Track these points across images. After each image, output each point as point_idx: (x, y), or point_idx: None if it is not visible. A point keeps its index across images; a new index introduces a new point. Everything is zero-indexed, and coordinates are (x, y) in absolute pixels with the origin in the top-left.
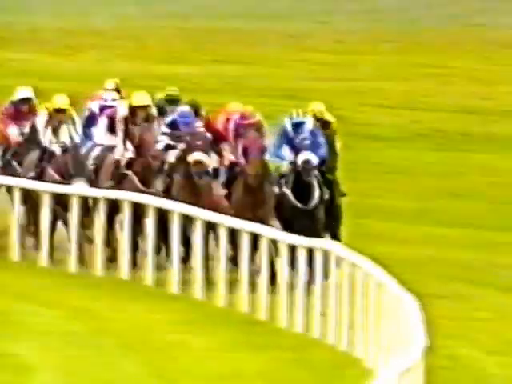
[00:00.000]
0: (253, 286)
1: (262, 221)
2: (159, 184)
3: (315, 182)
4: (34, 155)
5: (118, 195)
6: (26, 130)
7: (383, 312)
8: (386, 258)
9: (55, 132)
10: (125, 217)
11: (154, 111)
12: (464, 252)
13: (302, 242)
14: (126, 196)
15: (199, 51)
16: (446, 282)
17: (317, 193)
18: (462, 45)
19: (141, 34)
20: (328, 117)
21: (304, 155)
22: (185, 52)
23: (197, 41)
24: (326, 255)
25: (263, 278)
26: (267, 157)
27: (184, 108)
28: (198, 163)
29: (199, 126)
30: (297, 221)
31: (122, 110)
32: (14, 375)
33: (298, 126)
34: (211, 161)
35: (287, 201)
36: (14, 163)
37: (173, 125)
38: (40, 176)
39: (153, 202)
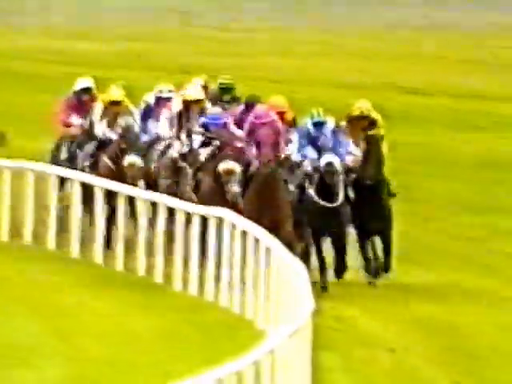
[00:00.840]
0: (150, 251)
1: (277, 227)
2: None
3: (340, 181)
4: (89, 147)
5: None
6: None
7: (273, 276)
8: None
9: (111, 124)
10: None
11: (207, 104)
12: None
13: (197, 209)
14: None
15: (99, 29)
16: None
17: (341, 192)
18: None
19: (43, 11)
20: (374, 115)
21: (326, 158)
22: (85, 29)
23: (97, 18)
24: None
25: (159, 244)
26: (294, 156)
27: (215, 110)
28: (229, 172)
29: (229, 126)
30: (322, 219)
31: (176, 105)
32: None
33: (319, 126)
34: (239, 168)
35: (311, 200)
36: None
37: (203, 127)
38: (95, 166)
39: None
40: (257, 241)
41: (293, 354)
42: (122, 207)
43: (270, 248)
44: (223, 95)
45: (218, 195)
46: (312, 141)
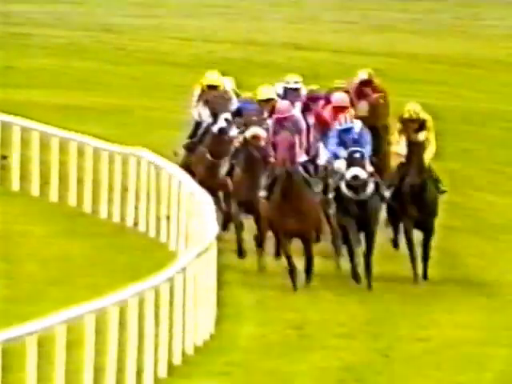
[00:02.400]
0: (81, 183)
1: (304, 234)
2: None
3: (367, 176)
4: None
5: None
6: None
7: (183, 206)
8: None
9: (207, 105)
10: None
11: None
12: None
13: (118, 149)
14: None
15: None
16: None
17: (371, 186)
18: None
19: None
20: (423, 115)
21: (353, 171)
22: None
23: None
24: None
25: (88, 178)
26: (324, 156)
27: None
28: (255, 137)
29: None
30: (351, 210)
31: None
32: None
33: (347, 131)
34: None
35: (341, 193)
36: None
37: (238, 113)
38: (192, 150)
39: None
40: (170, 176)
41: (201, 271)
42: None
43: (182, 182)
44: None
45: (248, 182)
46: (341, 142)
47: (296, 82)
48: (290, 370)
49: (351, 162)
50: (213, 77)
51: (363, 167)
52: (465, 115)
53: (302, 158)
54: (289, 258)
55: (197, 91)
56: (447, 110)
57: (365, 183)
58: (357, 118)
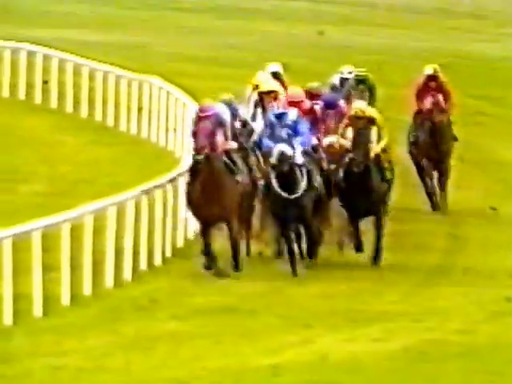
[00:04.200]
0: (105, 103)
1: (223, 220)
2: None
3: (300, 172)
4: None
5: None
6: None
7: (188, 121)
8: None
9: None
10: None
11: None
12: None
13: (134, 77)
14: None
15: None
16: None
17: (303, 183)
18: None
19: None
20: (371, 113)
21: (278, 147)
22: None
23: None
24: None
25: (111, 99)
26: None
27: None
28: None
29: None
30: (283, 210)
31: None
32: None
33: (280, 117)
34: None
35: (273, 191)
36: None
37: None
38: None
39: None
40: (176, 99)
41: None
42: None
43: (185, 103)
44: (358, 86)
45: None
46: (272, 132)
47: (350, 73)
48: None
49: (276, 138)
50: (267, 82)
51: (289, 145)
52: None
53: (228, 145)
54: (207, 245)
55: (251, 93)
56: (401, 48)
57: (291, 177)
58: (420, 112)
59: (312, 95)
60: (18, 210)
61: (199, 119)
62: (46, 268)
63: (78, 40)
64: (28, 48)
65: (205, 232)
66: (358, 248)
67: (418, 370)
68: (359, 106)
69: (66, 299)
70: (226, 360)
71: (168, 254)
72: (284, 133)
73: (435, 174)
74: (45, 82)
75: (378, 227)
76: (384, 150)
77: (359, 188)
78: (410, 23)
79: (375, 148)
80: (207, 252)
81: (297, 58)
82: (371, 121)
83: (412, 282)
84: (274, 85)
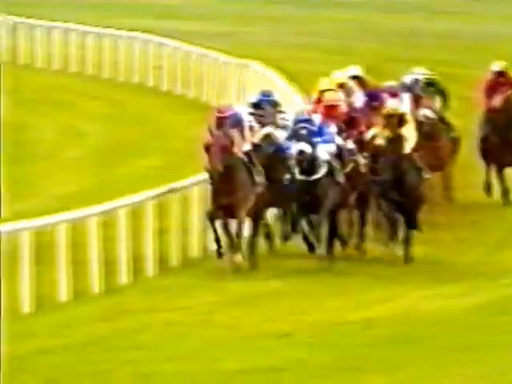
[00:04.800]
0: (212, 85)
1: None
2: None
3: (321, 163)
4: None
5: None
6: None
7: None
8: None
9: None
10: None
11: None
12: None
13: (235, 61)
14: None
15: None
16: None
17: (323, 169)
18: None
19: None
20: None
21: (298, 146)
22: None
23: None
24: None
25: (218, 81)
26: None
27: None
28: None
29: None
30: (302, 194)
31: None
32: None
33: (305, 122)
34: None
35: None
36: None
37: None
38: None
39: None
40: (270, 79)
41: None
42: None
43: (278, 83)
44: (427, 88)
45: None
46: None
47: (421, 74)
48: None
49: (296, 137)
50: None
51: (310, 144)
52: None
53: (245, 147)
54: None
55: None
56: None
57: (311, 161)
58: (491, 110)
59: (391, 94)
60: (137, 181)
61: (217, 121)
62: (159, 232)
63: (186, 30)
64: (142, 37)
65: (212, 220)
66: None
67: (499, 322)
68: (392, 104)
69: (176, 260)
70: (322, 314)
71: None
72: (305, 133)
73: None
74: (157, 67)
75: (411, 225)
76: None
77: (395, 186)
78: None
79: (407, 148)
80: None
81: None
82: (403, 119)
83: (490, 242)
84: (337, 96)
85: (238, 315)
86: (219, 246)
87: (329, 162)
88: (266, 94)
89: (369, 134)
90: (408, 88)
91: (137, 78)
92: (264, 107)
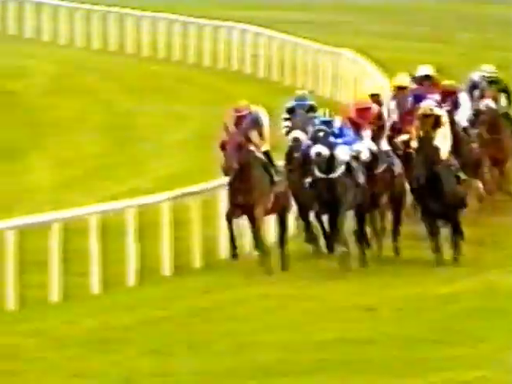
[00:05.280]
0: (305, 73)
1: (251, 209)
2: None
3: (339, 163)
4: None
5: None
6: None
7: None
8: None
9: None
10: None
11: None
12: None
13: (330, 49)
14: None
15: None
16: None
17: (341, 167)
18: None
19: None
20: (437, 111)
21: (316, 148)
22: None
23: None
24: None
25: (317, 69)
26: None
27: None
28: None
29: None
30: (318, 190)
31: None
32: None
33: (326, 124)
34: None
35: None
36: None
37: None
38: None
39: None
40: (363, 66)
41: None
42: None
43: (370, 72)
44: (490, 86)
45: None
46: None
47: (488, 72)
48: None
49: (315, 139)
50: (401, 78)
51: (328, 145)
52: None
53: (263, 147)
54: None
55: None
56: None
57: (329, 160)
58: None
59: (447, 92)
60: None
61: (235, 119)
62: None
63: (282, 19)
64: (240, 27)
65: (230, 219)
66: (437, 250)
67: None
68: (427, 104)
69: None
70: (408, 289)
71: None
72: (322, 135)
73: None
74: (254, 56)
75: (455, 232)
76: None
77: (430, 191)
78: None
79: (444, 152)
80: (232, 240)
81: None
82: (438, 120)
83: None
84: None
85: (329, 289)
86: (234, 247)
87: (347, 163)
88: (300, 99)
89: (401, 138)
90: (474, 85)
91: (235, 66)
92: (298, 112)
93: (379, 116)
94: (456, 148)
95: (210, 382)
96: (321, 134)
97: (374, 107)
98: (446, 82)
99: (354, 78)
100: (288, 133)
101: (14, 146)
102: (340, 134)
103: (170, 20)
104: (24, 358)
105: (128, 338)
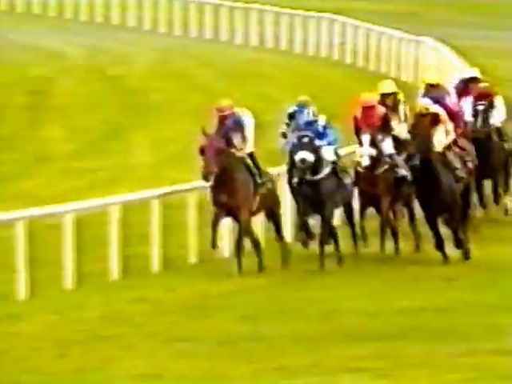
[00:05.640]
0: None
1: (235, 212)
2: None
3: (325, 164)
4: None
5: None
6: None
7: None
8: None
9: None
10: None
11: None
12: None
13: (407, 37)
14: None
15: None
16: None
17: (326, 169)
18: None
19: None
20: (434, 109)
21: (299, 154)
22: None
23: None
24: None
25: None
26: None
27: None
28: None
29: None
30: (304, 191)
31: None
32: None
33: (310, 124)
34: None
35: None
36: None
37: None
38: None
39: None
40: (445, 55)
41: None
42: None
43: (452, 59)
44: None
45: None
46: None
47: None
48: None
49: (300, 145)
50: (432, 75)
51: (311, 151)
52: None
53: (247, 149)
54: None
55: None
56: None
57: (314, 166)
58: None
59: (483, 94)
60: None
61: (218, 119)
62: None
63: (367, 10)
64: (328, 17)
65: (215, 223)
66: (439, 246)
67: None
68: (424, 103)
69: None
70: (485, 259)
71: None
72: (304, 140)
73: None
74: (341, 43)
75: (454, 227)
76: (449, 147)
77: (427, 185)
78: None
79: (439, 145)
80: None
81: None
82: (436, 118)
83: None
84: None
85: (407, 260)
86: (214, 247)
87: (333, 163)
88: (300, 106)
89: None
90: None
91: (324, 53)
92: (297, 117)
93: (385, 117)
94: (482, 148)
95: (300, 346)
96: (305, 139)
97: (380, 107)
98: (482, 85)
99: (434, 65)
100: (284, 136)
101: (117, 126)
102: (324, 134)
103: (262, 10)
104: (128, 323)
105: (223, 304)
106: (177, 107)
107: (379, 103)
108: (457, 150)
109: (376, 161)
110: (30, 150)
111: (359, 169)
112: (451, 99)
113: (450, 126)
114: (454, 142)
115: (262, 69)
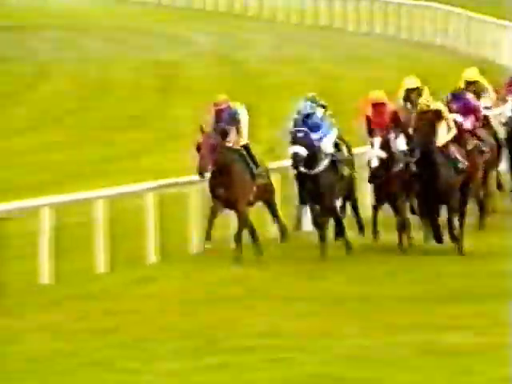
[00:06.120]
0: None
1: (233, 206)
2: None
3: (323, 156)
4: None
5: None
6: None
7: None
8: None
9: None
10: None
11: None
12: None
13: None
14: None
15: None
16: None
17: (324, 162)
18: None
19: None
20: (435, 106)
21: (293, 149)
22: None
23: None
24: None
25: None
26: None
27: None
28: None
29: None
30: (303, 185)
31: None
32: None
33: (308, 117)
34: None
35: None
36: None
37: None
38: None
39: None
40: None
41: None
42: None
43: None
44: None
45: None
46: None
47: None
48: None
49: (293, 140)
50: (470, 72)
51: (305, 145)
52: None
53: (241, 142)
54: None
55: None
56: None
57: (310, 159)
58: None
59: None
60: None
61: (214, 113)
62: None
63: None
64: (431, 5)
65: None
66: (438, 239)
67: None
68: (424, 100)
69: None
70: None
71: None
72: (299, 134)
73: None
74: (445, 30)
75: (450, 219)
76: (453, 141)
77: (427, 177)
78: None
79: (441, 139)
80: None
81: None
82: (437, 114)
83: None
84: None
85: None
86: (207, 239)
87: (332, 155)
88: (310, 100)
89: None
90: None
91: (427, 38)
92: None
93: (395, 114)
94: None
95: (406, 305)
96: (301, 134)
97: (390, 105)
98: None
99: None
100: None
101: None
102: (319, 126)
103: (373, 0)
104: (246, 286)
105: (337, 267)
106: (292, 89)
107: (404, 99)
108: (474, 140)
109: (390, 160)
110: (161, 128)
111: (373, 168)
112: (489, 94)
113: (452, 122)
114: (473, 133)
115: (370, 53)
